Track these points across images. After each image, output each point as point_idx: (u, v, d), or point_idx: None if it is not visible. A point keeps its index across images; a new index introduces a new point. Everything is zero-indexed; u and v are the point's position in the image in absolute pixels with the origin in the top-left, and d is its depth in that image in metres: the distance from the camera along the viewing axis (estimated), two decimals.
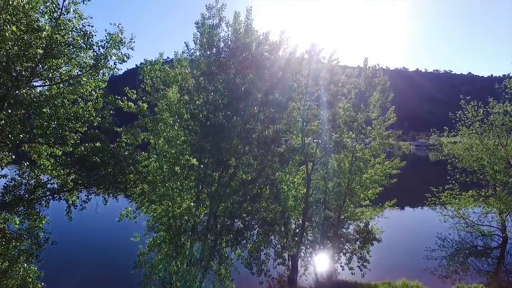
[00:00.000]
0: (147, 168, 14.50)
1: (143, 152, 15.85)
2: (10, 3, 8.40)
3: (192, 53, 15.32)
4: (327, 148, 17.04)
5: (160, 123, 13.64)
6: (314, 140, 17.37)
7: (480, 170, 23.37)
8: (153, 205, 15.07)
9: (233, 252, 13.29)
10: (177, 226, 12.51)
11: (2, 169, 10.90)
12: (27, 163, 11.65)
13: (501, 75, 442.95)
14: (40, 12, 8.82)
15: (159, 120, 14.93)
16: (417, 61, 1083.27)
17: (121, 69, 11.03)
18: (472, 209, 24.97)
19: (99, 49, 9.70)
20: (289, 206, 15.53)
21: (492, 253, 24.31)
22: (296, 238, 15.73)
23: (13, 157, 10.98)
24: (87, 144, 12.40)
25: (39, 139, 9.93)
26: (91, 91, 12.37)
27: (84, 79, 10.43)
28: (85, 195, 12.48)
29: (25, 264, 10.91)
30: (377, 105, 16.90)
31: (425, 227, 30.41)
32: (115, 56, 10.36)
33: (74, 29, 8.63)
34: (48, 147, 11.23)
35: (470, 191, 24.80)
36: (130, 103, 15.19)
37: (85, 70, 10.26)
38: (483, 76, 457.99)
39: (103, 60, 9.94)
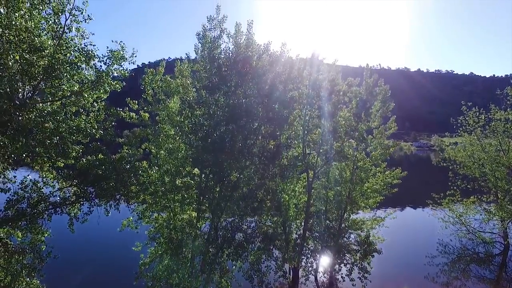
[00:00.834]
0: (148, 178, 14.57)
1: (144, 162, 15.94)
2: (14, 23, 8.48)
3: (193, 63, 15.40)
4: (328, 158, 17.07)
5: (161, 135, 13.70)
6: (315, 150, 17.36)
7: (481, 177, 23.34)
8: (154, 215, 15.17)
9: (234, 265, 13.33)
10: (178, 238, 12.56)
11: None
12: (29, 175, 11.72)
13: (504, 75, 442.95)
14: (42, 30, 8.86)
15: (160, 130, 15.01)
16: (418, 61, 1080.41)
17: (121, 86, 11.04)
18: (473, 215, 24.92)
19: (100, 66, 9.76)
20: (290, 216, 15.56)
21: (493, 260, 24.25)
22: (297, 248, 15.75)
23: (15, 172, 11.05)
24: (89, 156, 12.48)
25: (42, 153, 9.95)
26: (93, 102, 12.43)
27: (86, 95, 10.46)
28: (87, 207, 12.57)
29: (28, 279, 10.97)
30: (378, 114, 16.92)
31: (426, 233, 30.36)
32: (116, 72, 10.41)
33: (76, 49, 8.68)
34: (49, 160, 11.26)
35: (471, 197, 24.79)
36: (131, 113, 15.29)
37: (86, 86, 10.31)
38: (485, 76, 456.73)
39: (104, 77, 9.99)
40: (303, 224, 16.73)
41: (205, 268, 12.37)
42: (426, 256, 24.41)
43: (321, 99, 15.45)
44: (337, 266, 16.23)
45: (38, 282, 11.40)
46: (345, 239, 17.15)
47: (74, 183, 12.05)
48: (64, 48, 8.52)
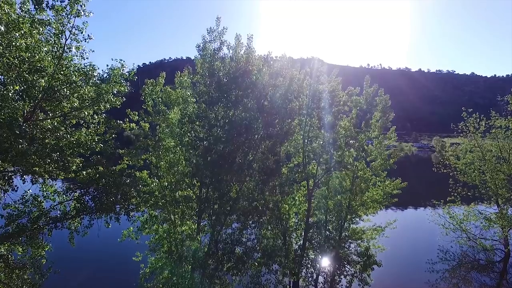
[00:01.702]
0: (149, 188, 14.60)
1: (144, 171, 15.97)
2: (14, 44, 8.51)
3: (193, 75, 15.42)
4: (328, 167, 17.08)
5: (161, 148, 13.73)
6: (315, 159, 17.36)
7: (482, 184, 23.31)
8: (154, 226, 15.20)
9: (233, 279, 13.34)
10: (178, 252, 12.59)
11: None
12: (29, 190, 11.75)
13: (505, 75, 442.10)
14: (42, 50, 8.88)
15: (160, 140, 15.04)
16: (419, 61, 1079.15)
17: (121, 102, 11.07)
18: (474, 222, 24.88)
19: (100, 83, 9.78)
20: (290, 226, 15.60)
21: (494, 268, 24.20)
22: (297, 259, 15.76)
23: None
24: (89, 169, 12.51)
25: (41, 172, 9.99)
26: (93, 114, 12.47)
27: (85, 112, 10.50)
28: (87, 220, 12.60)
29: None
30: (378, 124, 16.91)
31: (427, 239, 30.32)
32: (116, 88, 10.44)
33: (76, 70, 8.72)
34: (49, 174, 11.30)
35: (472, 203, 24.77)
36: (131, 124, 15.33)
37: (86, 103, 10.35)
38: (486, 77, 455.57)
39: (104, 94, 10.02)
40: (303, 233, 16.74)
41: (205, 281, 12.39)
42: (427, 262, 24.40)
43: (321, 110, 15.46)
44: (337, 277, 16.24)
45: None
46: (345, 248, 17.15)
47: (74, 197, 12.09)
48: (64, 68, 8.55)
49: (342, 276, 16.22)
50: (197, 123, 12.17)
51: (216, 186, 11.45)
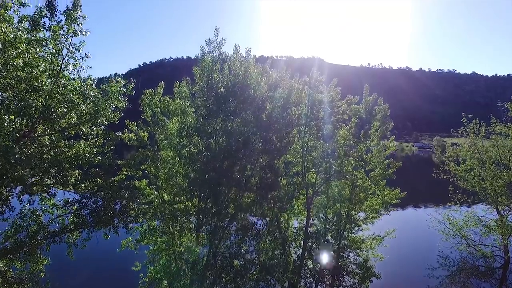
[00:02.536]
0: (147, 199, 14.60)
1: (143, 181, 15.97)
2: (11, 63, 8.50)
3: (192, 85, 15.39)
4: (327, 176, 17.06)
5: (160, 160, 13.72)
6: (314, 168, 17.35)
7: (481, 192, 23.27)
8: (154, 236, 15.20)
9: None
10: (177, 265, 12.59)
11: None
12: (27, 204, 11.74)
13: (506, 75, 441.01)
14: (40, 69, 8.86)
15: (159, 150, 15.03)
16: (420, 60, 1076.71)
17: (119, 117, 11.07)
18: (474, 228, 24.83)
19: (98, 100, 9.76)
20: (289, 236, 15.59)
21: (494, 274, 24.18)
22: (296, 269, 15.77)
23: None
24: (87, 182, 12.50)
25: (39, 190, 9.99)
26: (91, 126, 12.45)
27: (83, 128, 10.50)
28: (86, 233, 12.59)
29: None
30: (377, 134, 16.88)
31: (426, 245, 30.29)
32: (114, 104, 10.43)
33: (73, 89, 8.70)
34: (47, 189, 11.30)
35: (471, 209, 24.75)
36: (130, 134, 15.32)
37: (84, 119, 10.33)
38: (487, 76, 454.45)
39: (102, 111, 10.01)
40: (302, 243, 16.75)
41: None
42: (426, 268, 24.39)
43: (320, 120, 15.43)
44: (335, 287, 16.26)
45: None
46: (344, 258, 17.15)
47: (73, 210, 12.08)
48: (61, 88, 8.54)
49: (341, 287, 16.23)
50: (195, 135, 12.15)
51: (214, 201, 11.45)
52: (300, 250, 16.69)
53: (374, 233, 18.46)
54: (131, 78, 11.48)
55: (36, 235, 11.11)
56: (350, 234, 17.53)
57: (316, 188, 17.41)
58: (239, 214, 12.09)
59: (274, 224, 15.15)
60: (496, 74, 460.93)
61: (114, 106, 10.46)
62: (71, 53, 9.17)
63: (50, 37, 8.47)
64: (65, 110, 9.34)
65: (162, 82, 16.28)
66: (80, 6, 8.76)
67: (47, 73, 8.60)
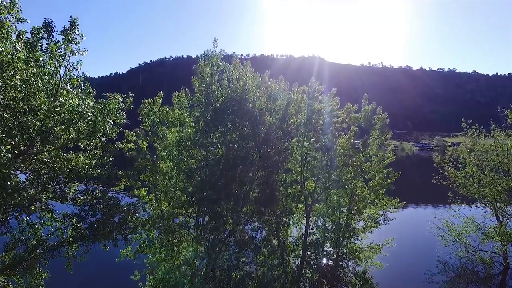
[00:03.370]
0: (146, 211, 14.64)
1: (142, 188, 16.00)
2: (8, 82, 8.51)
3: (191, 96, 15.39)
4: (326, 185, 17.07)
5: (159, 172, 13.74)
6: (313, 177, 17.35)
7: (481, 199, 23.26)
8: (152, 247, 15.24)
9: None
10: (176, 276, 12.62)
11: None
12: (26, 218, 11.75)
13: (507, 74, 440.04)
14: (37, 82, 8.86)
15: (158, 159, 15.03)
16: (421, 59, 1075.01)
17: (117, 132, 11.09)
18: (474, 233, 24.83)
19: (96, 117, 9.77)
20: (288, 246, 15.62)
21: (493, 280, 24.19)
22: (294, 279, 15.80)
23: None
24: (86, 195, 12.52)
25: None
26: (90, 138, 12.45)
27: (81, 145, 10.51)
28: (85, 246, 12.61)
29: None
30: (375, 143, 16.86)
31: (426, 250, 30.28)
32: (112, 120, 10.44)
33: (71, 109, 8.70)
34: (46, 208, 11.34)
35: (471, 213, 24.75)
36: (129, 144, 15.32)
37: (82, 135, 10.35)
38: (488, 75, 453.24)
39: (101, 128, 10.01)
40: (301, 252, 16.78)
41: None
42: (426, 273, 24.44)
43: (318, 132, 15.42)
44: None
45: None
46: (343, 266, 17.15)
47: (71, 224, 12.09)
48: (59, 108, 8.55)
49: None
50: (193, 149, 12.15)
51: (212, 217, 11.46)
52: (299, 260, 16.72)
53: (373, 242, 18.48)
54: (130, 93, 11.49)
55: (35, 249, 11.14)
56: (349, 243, 17.54)
57: (315, 196, 17.42)
58: (238, 228, 12.12)
59: (273, 233, 15.16)
60: (497, 73, 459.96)
61: (112, 123, 10.46)
62: (69, 71, 9.18)
63: (48, 57, 8.47)
64: (63, 127, 9.36)
65: (161, 92, 16.24)
66: (78, 25, 8.75)
67: (44, 93, 8.60)
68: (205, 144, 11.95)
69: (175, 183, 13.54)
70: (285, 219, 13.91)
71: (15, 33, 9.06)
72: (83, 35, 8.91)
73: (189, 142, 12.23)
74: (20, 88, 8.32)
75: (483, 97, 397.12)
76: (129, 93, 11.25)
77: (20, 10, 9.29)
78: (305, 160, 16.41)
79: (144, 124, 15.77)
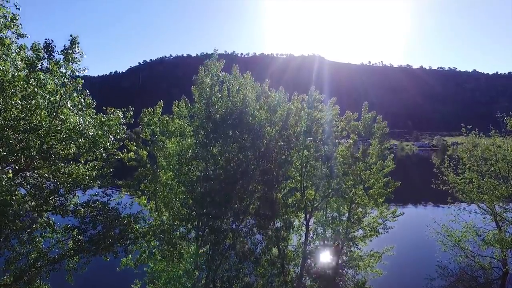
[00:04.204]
0: (146, 222, 14.68)
1: (143, 196, 16.03)
2: (9, 101, 8.53)
3: (191, 106, 15.41)
4: (325, 194, 17.11)
5: (159, 183, 13.78)
6: (313, 186, 17.39)
7: (480, 207, 23.31)
8: (153, 257, 15.29)
9: None
10: None
11: None
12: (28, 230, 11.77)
13: (507, 73, 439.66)
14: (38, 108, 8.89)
15: (158, 168, 15.06)
16: (421, 58, 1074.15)
17: (118, 146, 11.13)
18: (473, 238, 24.86)
19: (96, 132, 9.81)
20: (287, 255, 15.67)
21: (492, 286, 24.25)
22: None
23: None
24: (86, 207, 12.55)
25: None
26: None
27: (82, 160, 10.55)
28: (86, 258, 12.65)
29: None
30: (375, 152, 16.90)
31: (425, 255, 30.36)
32: (112, 135, 10.48)
33: (71, 128, 8.73)
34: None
35: (470, 218, 24.78)
36: (130, 153, 15.34)
37: (83, 150, 10.38)
38: (488, 74, 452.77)
39: (101, 143, 10.05)
40: (300, 261, 16.85)
41: None
42: (425, 278, 24.52)
43: (318, 142, 15.46)
44: None
45: None
46: (342, 275, 17.24)
47: (72, 236, 12.13)
48: (59, 127, 8.58)
49: None
50: (193, 162, 12.19)
51: (212, 232, 11.51)
52: (299, 268, 16.79)
53: (372, 249, 18.53)
54: (130, 106, 11.50)
55: (36, 262, 11.18)
56: (348, 251, 17.61)
57: (315, 204, 17.47)
58: (238, 240, 12.18)
59: (273, 241, 15.19)
60: (497, 72, 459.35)
61: (112, 138, 10.50)
62: (69, 90, 9.20)
63: (48, 77, 8.49)
64: (64, 143, 9.40)
65: (161, 101, 16.22)
66: (78, 43, 8.77)
67: (45, 111, 8.62)
68: (205, 156, 11.99)
69: (175, 194, 13.58)
70: (285, 234, 13.95)
71: (16, 51, 9.07)
72: (83, 53, 8.93)
73: (189, 153, 12.26)
74: (21, 107, 8.35)
75: (483, 96, 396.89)
76: (130, 106, 11.27)
77: (21, 25, 9.32)
78: (305, 169, 16.45)
79: (144, 134, 15.80)
